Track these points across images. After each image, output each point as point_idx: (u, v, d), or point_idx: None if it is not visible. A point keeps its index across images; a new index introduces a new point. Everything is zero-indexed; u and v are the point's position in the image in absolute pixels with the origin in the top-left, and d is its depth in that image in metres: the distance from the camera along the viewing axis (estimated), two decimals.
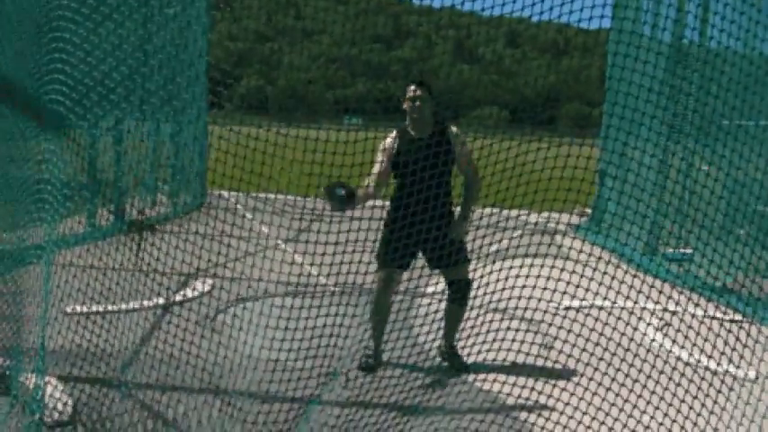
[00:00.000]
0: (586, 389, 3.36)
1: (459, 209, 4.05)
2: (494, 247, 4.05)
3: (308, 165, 3.73)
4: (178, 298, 5.15)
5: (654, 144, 5.78)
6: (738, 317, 4.46)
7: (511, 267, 3.63)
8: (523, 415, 3.44)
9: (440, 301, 4.48)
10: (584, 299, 3.59)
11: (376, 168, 3.98)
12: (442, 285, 4.57)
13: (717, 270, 3.84)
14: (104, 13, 3.29)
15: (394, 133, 4.06)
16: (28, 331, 3.28)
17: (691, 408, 3.14)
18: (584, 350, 3.47)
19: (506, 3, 3.46)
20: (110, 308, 4.30)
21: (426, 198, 3.80)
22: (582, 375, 3.47)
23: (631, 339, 3.74)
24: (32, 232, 3.26)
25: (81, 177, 3.95)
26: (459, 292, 4.04)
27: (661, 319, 4.90)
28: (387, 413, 3.42)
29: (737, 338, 3.36)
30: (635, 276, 3.68)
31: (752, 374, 3.83)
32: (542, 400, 3.48)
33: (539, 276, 3.53)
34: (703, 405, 3.13)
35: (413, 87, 3.95)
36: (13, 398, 3.15)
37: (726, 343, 3.30)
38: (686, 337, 3.56)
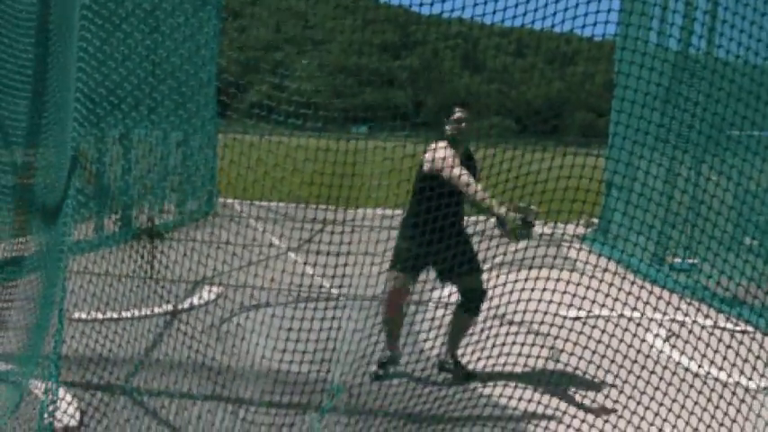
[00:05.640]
0: (593, 400, 3.35)
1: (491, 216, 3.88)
2: (500, 258, 4.05)
3: (313, 174, 3.76)
4: (185, 305, 5.17)
5: (661, 153, 5.76)
6: (746, 327, 4.43)
7: (518, 278, 3.62)
8: (530, 427, 3.43)
9: (439, 309, 4.48)
10: (590, 309, 3.59)
11: (467, 175, 3.84)
12: (444, 294, 4.57)
13: (723, 279, 3.82)
14: (115, 23, 3.34)
15: (445, 144, 3.98)
16: (39, 338, 3.30)
17: (700, 420, 3.12)
18: (590, 361, 3.45)
19: (513, 11, 3.47)
20: (117, 315, 4.32)
21: (448, 213, 3.80)
22: (589, 386, 3.45)
23: (636, 350, 3.72)
24: (42, 239, 3.29)
25: (90, 185, 3.99)
26: (473, 302, 4.06)
27: (665, 327, 4.88)
28: (392, 422, 3.42)
29: (750, 349, 3.34)
30: (642, 287, 3.67)
31: (759, 385, 3.80)
32: (549, 411, 3.47)
33: (545, 287, 3.52)
34: (713, 417, 3.10)
35: (458, 109, 3.98)
36: (19, 402, 3.17)
37: (737, 354, 3.28)
38: (695, 348, 3.54)
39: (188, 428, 3.23)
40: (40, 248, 3.54)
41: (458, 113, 3.98)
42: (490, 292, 3.74)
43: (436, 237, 3.81)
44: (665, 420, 3.20)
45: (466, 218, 4.14)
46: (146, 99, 3.82)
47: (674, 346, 4.62)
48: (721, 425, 3.07)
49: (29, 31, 3.75)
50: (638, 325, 4.09)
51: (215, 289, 5.63)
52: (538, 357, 3.75)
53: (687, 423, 3.13)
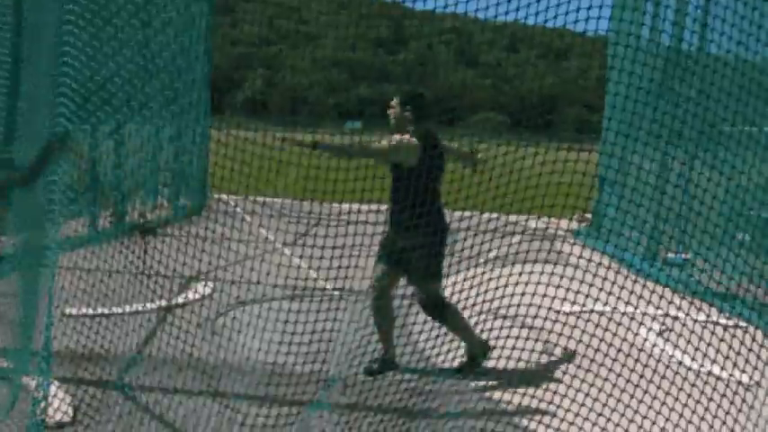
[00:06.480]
0: (587, 395, 3.36)
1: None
2: (494, 253, 4.05)
3: (306, 169, 3.75)
4: (179, 300, 5.15)
5: (654, 148, 5.78)
6: (739, 321, 4.45)
7: (511, 273, 3.63)
8: (524, 422, 3.44)
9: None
10: (584, 304, 3.60)
11: (384, 142, 3.87)
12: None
13: (714, 273, 3.84)
14: (105, 17, 3.31)
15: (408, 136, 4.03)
16: (26, 334, 3.29)
17: (694, 412, 3.14)
18: (584, 356, 3.46)
19: (506, 7, 3.47)
20: (111, 310, 4.31)
21: (411, 206, 3.75)
22: (582, 381, 3.47)
23: (630, 344, 3.74)
24: (38, 233, 3.27)
25: (82, 181, 3.97)
26: (429, 312, 3.92)
27: (659, 321, 4.90)
28: (385, 417, 3.42)
29: (743, 343, 3.36)
30: (635, 281, 3.69)
31: (747, 379, 3.82)
32: (542, 405, 3.48)
33: (539, 282, 3.53)
34: (707, 409, 3.12)
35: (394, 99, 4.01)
36: (14, 399, 3.15)
37: (731, 347, 3.29)
38: (688, 341, 3.56)
39: (182, 423, 3.23)
40: (19, 245, 3.52)
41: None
42: (484, 287, 3.74)
43: (410, 230, 3.76)
44: (658, 413, 3.22)
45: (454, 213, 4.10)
46: (137, 94, 3.79)
47: (667, 340, 4.64)
48: (715, 417, 3.08)
49: (4, 28, 3.68)
50: (632, 319, 4.11)
51: (209, 284, 5.62)
52: (531, 352, 3.76)
53: (681, 416, 3.14)
